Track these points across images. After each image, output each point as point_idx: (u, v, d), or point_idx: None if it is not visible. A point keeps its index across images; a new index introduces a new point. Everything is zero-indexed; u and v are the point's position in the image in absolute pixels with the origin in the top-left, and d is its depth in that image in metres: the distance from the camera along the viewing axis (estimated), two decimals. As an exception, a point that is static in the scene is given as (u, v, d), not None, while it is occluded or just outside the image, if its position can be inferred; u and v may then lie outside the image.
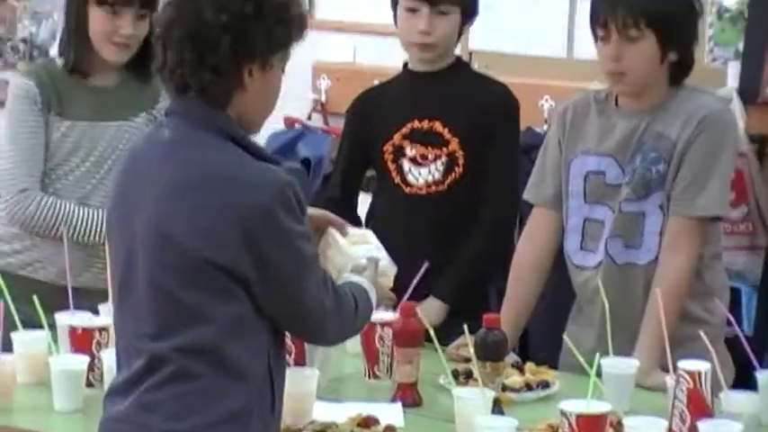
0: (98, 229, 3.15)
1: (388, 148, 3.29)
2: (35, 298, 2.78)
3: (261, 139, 4.78)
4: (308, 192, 4.56)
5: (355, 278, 2.50)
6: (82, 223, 3.17)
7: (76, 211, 3.18)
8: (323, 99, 4.79)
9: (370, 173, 3.43)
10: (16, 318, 2.80)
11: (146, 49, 3.16)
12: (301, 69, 4.82)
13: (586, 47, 3.58)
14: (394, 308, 2.89)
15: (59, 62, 3.23)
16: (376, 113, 3.34)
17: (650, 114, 2.98)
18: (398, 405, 2.72)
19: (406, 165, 3.29)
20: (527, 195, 3.15)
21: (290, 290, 2.31)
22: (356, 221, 3.37)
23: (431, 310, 3.11)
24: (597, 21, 2.94)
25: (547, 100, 4.24)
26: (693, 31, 2.99)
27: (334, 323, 2.38)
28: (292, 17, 2.36)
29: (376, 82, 3.72)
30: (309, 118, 4.81)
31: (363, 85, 3.89)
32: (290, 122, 4.80)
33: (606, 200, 3.01)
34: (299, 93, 4.81)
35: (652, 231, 2.97)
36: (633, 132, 2.98)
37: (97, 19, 3.15)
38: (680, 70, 2.99)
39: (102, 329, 2.76)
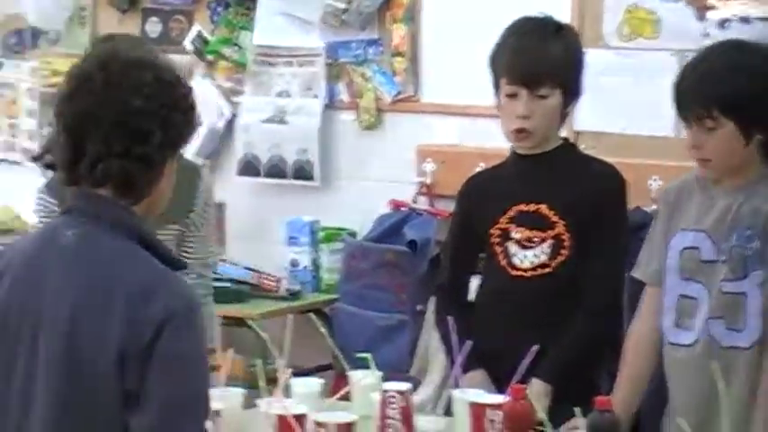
0: None
1: (495, 231, 3.28)
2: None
3: (369, 222, 4.82)
4: (413, 274, 4.57)
5: None
6: None
7: None
8: (428, 181, 4.80)
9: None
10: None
11: None
12: (407, 153, 4.86)
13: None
14: (502, 391, 2.87)
15: None
16: (484, 197, 3.34)
17: (746, 191, 2.94)
18: (510, 490, 2.69)
19: (512, 247, 3.27)
20: (636, 272, 3.12)
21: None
22: (467, 307, 3.37)
23: (534, 391, 3.08)
24: (678, 110, 2.93)
25: (655, 180, 4.21)
26: None
27: None
28: (194, 104, 2.32)
29: (482, 164, 3.73)
30: (415, 201, 4.83)
31: (468, 167, 3.90)
32: (396, 205, 4.83)
33: (700, 277, 2.96)
34: (404, 176, 4.84)
35: (754, 313, 2.90)
36: (729, 209, 2.94)
37: None
38: None
39: (215, 413, 2.76)
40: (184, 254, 3.18)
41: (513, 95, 3.21)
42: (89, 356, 2.17)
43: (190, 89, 2.32)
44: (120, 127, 2.21)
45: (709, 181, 2.99)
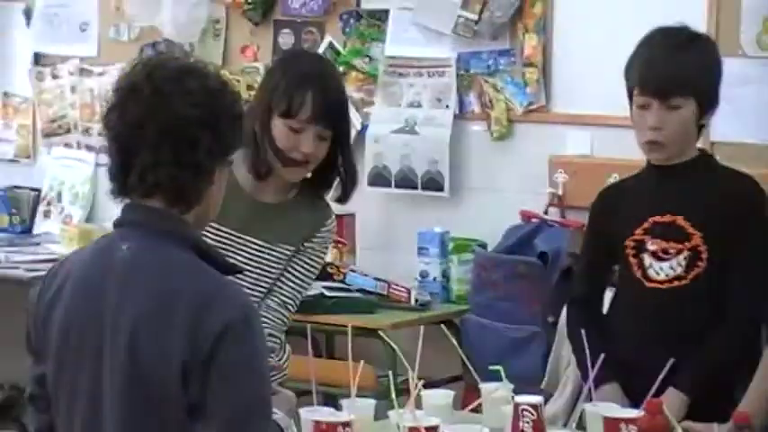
0: None
1: (630, 242, 3.25)
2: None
3: (499, 233, 4.80)
4: (545, 286, 4.54)
5: None
6: None
7: None
8: (560, 192, 4.77)
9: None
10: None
11: (322, 171, 3.13)
12: (538, 163, 4.82)
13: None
14: (636, 404, 2.83)
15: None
16: (618, 208, 3.31)
17: None
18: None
19: (648, 259, 3.24)
20: None
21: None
22: (601, 319, 3.33)
23: (670, 402, 3.03)
24: None
25: (795, 191, 4.12)
26: None
27: None
28: (243, 112, 2.34)
29: (614, 175, 3.70)
30: (546, 212, 4.79)
31: (601, 178, 3.86)
32: (527, 216, 4.80)
33: None
34: (535, 187, 4.81)
35: None
36: None
37: (279, 132, 3.08)
38: None
39: (346, 425, 2.77)
40: (281, 279, 3.21)
41: (644, 106, 3.18)
42: (152, 370, 2.19)
43: (238, 97, 2.32)
44: (168, 135, 2.21)
45: None
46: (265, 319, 3.17)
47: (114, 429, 2.23)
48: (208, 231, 3.07)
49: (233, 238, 3.16)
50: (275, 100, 3.08)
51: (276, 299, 3.20)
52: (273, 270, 3.18)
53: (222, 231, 3.14)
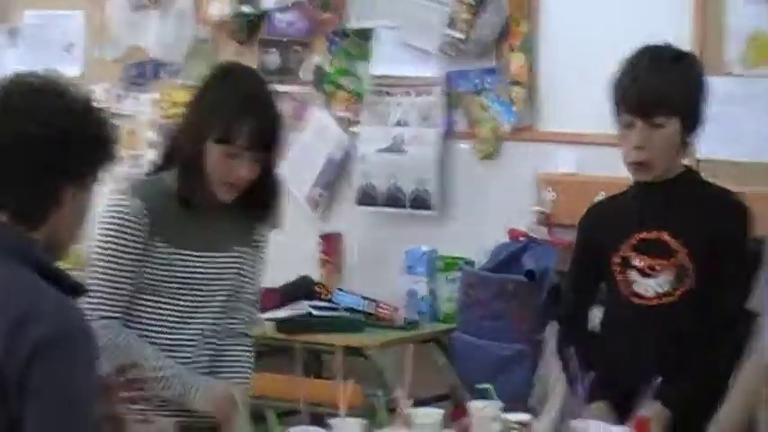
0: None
1: (617, 259, 3.25)
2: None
3: (486, 251, 4.80)
4: (532, 304, 4.54)
5: None
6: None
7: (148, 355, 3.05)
8: (547, 211, 4.77)
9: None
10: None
11: (257, 186, 3.10)
12: (525, 181, 4.83)
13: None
14: (623, 422, 2.83)
15: (167, 180, 3.09)
16: (605, 225, 3.31)
17: None
18: None
19: (634, 276, 3.24)
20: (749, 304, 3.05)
21: None
22: (589, 337, 3.33)
23: (650, 414, 3.03)
24: None
25: (781, 208, 4.13)
26: None
27: None
28: (109, 137, 2.29)
29: (601, 193, 3.70)
30: (533, 230, 4.79)
31: (588, 196, 3.86)
32: (514, 235, 4.80)
33: None
34: (523, 205, 4.82)
35: None
36: None
37: (214, 157, 3.03)
38: None
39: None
40: (242, 279, 3.21)
41: (629, 125, 3.19)
42: None
43: (105, 122, 2.29)
44: (12, 152, 2.21)
45: None
46: (237, 321, 3.19)
47: None
48: (171, 261, 3.07)
49: (194, 259, 3.11)
50: (211, 124, 3.03)
51: (244, 298, 3.20)
52: (233, 274, 3.17)
53: (182, 255, 3.10)
